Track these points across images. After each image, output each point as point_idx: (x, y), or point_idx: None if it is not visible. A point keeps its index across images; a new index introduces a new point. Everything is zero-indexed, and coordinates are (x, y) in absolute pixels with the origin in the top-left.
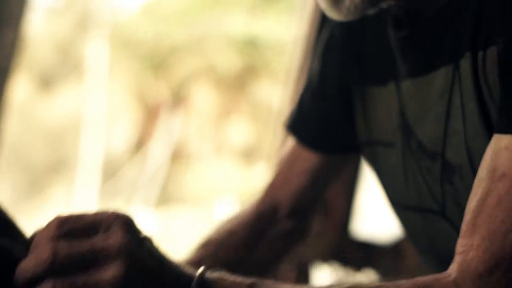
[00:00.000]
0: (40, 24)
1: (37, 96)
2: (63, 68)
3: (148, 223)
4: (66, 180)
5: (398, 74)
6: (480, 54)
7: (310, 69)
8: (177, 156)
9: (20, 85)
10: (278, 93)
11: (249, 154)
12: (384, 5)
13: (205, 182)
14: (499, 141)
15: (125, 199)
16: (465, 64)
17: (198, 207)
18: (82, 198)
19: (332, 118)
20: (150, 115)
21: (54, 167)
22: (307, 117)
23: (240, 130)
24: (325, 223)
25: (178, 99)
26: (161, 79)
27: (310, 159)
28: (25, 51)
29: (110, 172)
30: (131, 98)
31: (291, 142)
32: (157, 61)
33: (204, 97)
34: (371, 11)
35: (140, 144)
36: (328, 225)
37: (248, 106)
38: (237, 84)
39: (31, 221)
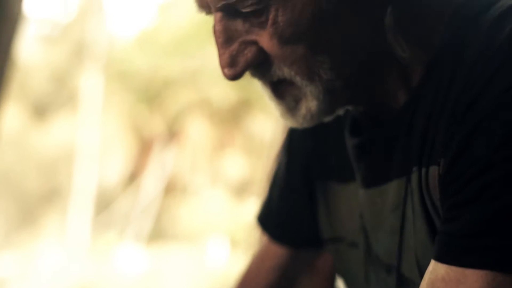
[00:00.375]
0: (35, 52)
1: (31, 125)
2: (58, 98)
3: (140, 260)
4: (59, 211)
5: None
6: (424, 171)
7: (277, 160)
8: (171, 189)
9: (14, 114)
10: (272, 127)
11: (242, 188)
12: (341, 112)
13: (197, 217)
14: (436, 270)
15: (117, 232)
16: (414, 179)
17: (190, 244)
18: (75, 229)
19: (298, 211)
20: (144, 147)
21: (47, 197)
22: (274, 211)
23: (234, 164)
24: None
25: (172, 132)
26: (155, 111)
27: (279, 254)
28: (19, 80)
29: (103, 203)
30: (125, 129)
31: (264, 236)
32: (152, 93)
33: (198, 130)
34: (328, 118)
35: (133, 176)
36: None
37: (242, 139)
38: (232, 117)
39: (23, 252)
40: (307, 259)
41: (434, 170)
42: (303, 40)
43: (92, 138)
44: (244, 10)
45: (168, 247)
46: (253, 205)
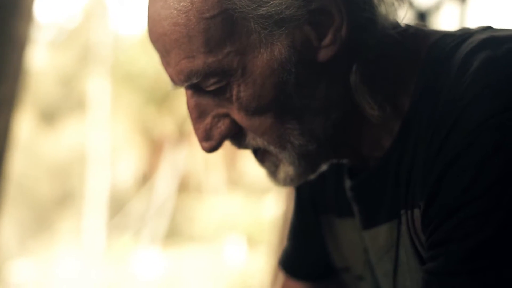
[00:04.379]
0: (42, 58)
1: (41, 131)
2: (66, 102)
3: (156, 262)
4: (73, 215)
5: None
6: (409, 213)
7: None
8: (184, 189)
9: (24, 120)
10: None
11: (258, 186)
12: (323, 168)
13: (213, 216)
14: None
15: (132, 234)
16: (403, 221)
17: (206, 244)
18: (90, 233)
19: (311, 245)
20: (155, 148)
21: (61, 202)
22: (291, 248)
23: (248, 161)
24: None
25: (182, 132)
26: (164, 111)
27: None
28: (28, 86)
29: (117, 206)
30: (135, 131)
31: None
32: (160, 94)
33: None
34: (312, 176)
35: (146, 177)
36: None
37: None
38: None
39: (39, 258)
40: None
41: (417, 212)
42: (270, 111)
43: (102, 141)
44: (208, 89)
45: (184, 248)
46: (269, 203)
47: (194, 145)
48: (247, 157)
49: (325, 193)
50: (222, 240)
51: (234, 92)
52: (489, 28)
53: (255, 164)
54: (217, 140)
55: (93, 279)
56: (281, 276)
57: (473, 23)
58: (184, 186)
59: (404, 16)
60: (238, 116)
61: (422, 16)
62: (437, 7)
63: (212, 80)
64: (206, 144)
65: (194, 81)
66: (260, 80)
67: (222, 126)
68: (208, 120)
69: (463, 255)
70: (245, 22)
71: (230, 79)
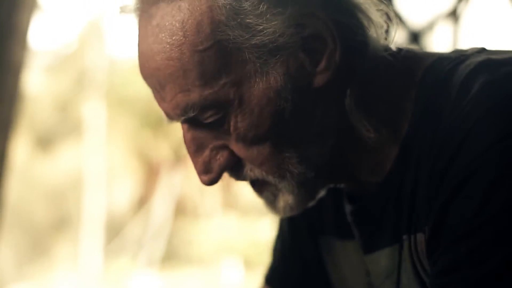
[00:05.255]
0: (37, 83)
1: (36, 155)
2: (62, 127)
3: (154, 285)
4: (70, 240)
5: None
6: (412, 238)
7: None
8: (180, 212)
9: (20, 145)
10: None
11: (254, 209)
12: (323, 194)
13: (210, 239)
14: None
15: (130, 258)
16: (406, 247)
17: (203, 267)
18: (87, 257)
19: (299, 264)
20: (151, 171)
21: (57, 227)
22: (276, 264)
23: (243, 185)
24: None
25: (178, 155)
26: (160, 135)
27: None
28: (23, 111)
29: (114, 230)
30: (131, 155)
31: None
32: (156, 118)
33: None
34: (312, 203)
35: (142, 201)
36: None
37: None
38: None
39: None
40: None
41: (421, 237)
42: (267, 140)
43: (98, 165)
44: (206, 122)
45: (182, 271)
46: (265, 225)
47: (190, 168)
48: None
49: (322, 215)
50: (219, 263)
51: (232, 123)
52: (484, 50)
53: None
54: (216, 173)
55: None
56: None
57: (466, 43)
58: (181, 210)
59: (395, 37)
60: (236, 147)
61: (415, 36)
62: (430, 27)
63: (209, 113)
64: (206, 177)
65: (191, 114)
66: (257, 110)
67: (221, 158)
68: (207, 153)
69: (474, 283)
70: (240, 53)
71: (227, 110)
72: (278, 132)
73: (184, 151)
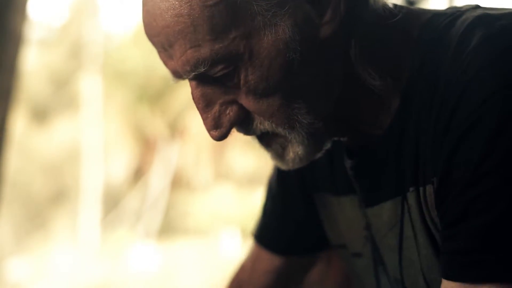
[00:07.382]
0: (32, 56)
1: (33, 129)
2: (58, 100)
3: (152, 256)
4: (68, 212)
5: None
6: (421, 190)
7: (270, 176)
8: (177, 184)
9: (17, 118)
10: None
11: (249, 179)
12: (328, 146)
13: (206, 210)
14: None
15: (127, 230)
16: (411, 198)
17: (201, 238)
18: (84, 230)
19: (291, 222)
20: (148, 144)
21: (55, 199)
22: (267, 222)
23: (239, 156)
24: None
25: (174, 128)
26: (157, 109)
27: (270, 260)
28: (21, 83)
29: (111, 202)
30: (127, 128)
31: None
32: (152, 91)
33: (200, 125)
34: (319, 155)
35: (139, 173)
36: None
37: None
38: None
39: (35, 255)
40: (303, 264)
41: (430, 189)
42: (277, 92)
43: (95, 138)
44: (215, 76)
45: (179, 242)
46: (260, 196)
47: (186, 141)
48: (235, 150)
49: (314, 173)
50: (216, 233)
51: (242, 77)
52: (478, 6)
53: (244, 156)
54: (226, 127)
55: (88, 275)
56: (253, 249)
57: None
58: (177, 182)
59: None
60: (246, 101)
61: (410, 1)
62: None
63: (219, 67)
64: (216, 133)
65: (201, 70)
66: (267, 62)
67: (231, 112)
68: (216, 108)
69: (480, 232)
70: (249, 6)
71: (237, 63)
72: (287, 83)
73: (180, 124)
